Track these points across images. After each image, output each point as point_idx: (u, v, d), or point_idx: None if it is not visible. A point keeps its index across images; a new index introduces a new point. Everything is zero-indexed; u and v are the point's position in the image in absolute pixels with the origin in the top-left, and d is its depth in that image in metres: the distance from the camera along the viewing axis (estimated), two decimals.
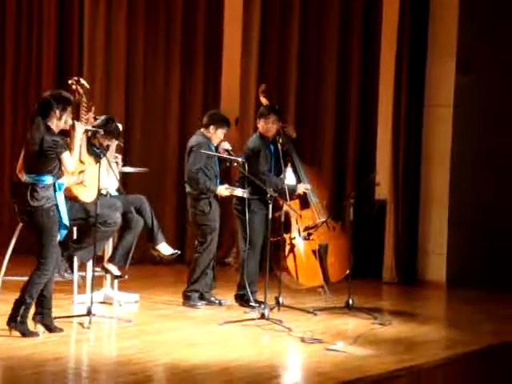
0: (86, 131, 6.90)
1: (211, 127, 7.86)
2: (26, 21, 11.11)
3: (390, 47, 9.62)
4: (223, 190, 7.79)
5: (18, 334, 6.34)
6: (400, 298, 9.08)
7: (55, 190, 6.36)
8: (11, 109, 11.18)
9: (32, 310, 6.46)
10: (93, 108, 7.47)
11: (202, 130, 7.92)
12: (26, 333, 6.36)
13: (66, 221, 6.41)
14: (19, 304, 6.36)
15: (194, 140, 7.91)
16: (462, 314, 8.04)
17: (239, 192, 7.75)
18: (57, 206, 6.35)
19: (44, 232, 6.34)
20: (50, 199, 6.33)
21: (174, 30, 10.62)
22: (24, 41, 11.14)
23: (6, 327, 6.38)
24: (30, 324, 6.45)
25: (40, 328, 6.46)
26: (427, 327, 7.33)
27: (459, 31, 9.48)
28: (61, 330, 6.54)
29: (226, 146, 7.85)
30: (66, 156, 6.35)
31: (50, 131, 6.34)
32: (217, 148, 7.87)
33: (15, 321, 6.37)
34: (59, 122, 6.38)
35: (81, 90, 7.37)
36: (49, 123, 6.35)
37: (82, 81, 7.40)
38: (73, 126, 6.53)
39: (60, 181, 6.41)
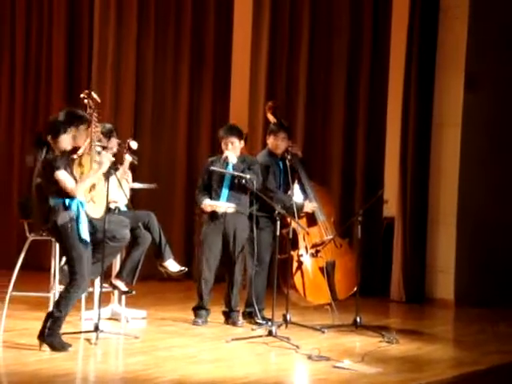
0: (117, 161, 6.92)
1: (222, 142, 7.84)
2: (36, 35, 11.18)
3: (399, 64, 9.64)
4: (204, 206, 7.75)
5: (47, 348, 6.39)
6: (407, 316, 9.06)
7: (68, 208, 6.38)
8: (20, 123, 11.22)
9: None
10: (99, 127, 7.45)
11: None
12: (54, 346, 6.38)
13: (85, 236, 6.43)
14: (48, 317, 6.42)
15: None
16: (469, 333, 8.01)
17: (223, 208, 7.69)
18: (77, 221, 6.38)
19: (65, 248, 6.42)
20: (64, 216, 6.36)
21: (183, 46, 10.67)
22: (33, 54, 11.20)
23: (18, 343, 6.42)
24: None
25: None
26: (434, 346, 7.31)
27: (467, 49, 9.48)
28: (70, 345, 6.56)
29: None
30: (60, 174, 6.36)
31: (48, 152, 6.40)
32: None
33: (43, 334, 6.40)
34: (69, 141, 6.42)
35: (92, 104, 7.39)
36: (57, 144, 6.39)
37: (94, 94, 7.42)
38: (99, 154, 6.59)
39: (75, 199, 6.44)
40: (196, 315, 7.81)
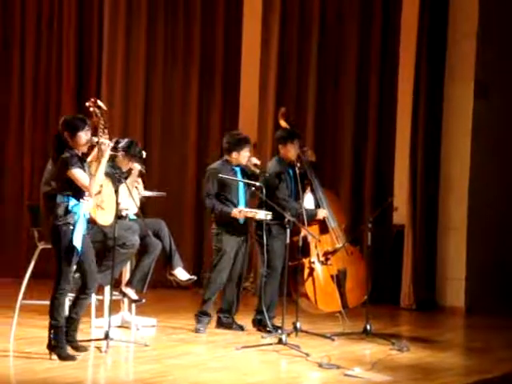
0: (114, 149, 6.79)
1: (234, 153, 7.79)
2: (46, 41, 11.19)
3: (409, 70, 9.64)
4: (237, 213, 7.71)
5: (55, 357, 6.38)
6: (418, 323, 9.03)
7: (69, 211, 6.37)
8: (31, 130, 11.24)
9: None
10: (106, 131, 7.42)
11: (225, 156, 7.85)
12: (61, 356, 6.38)
13: (77, 244, 6.37)
14: (48, 328, 6.42)
15: (210, 166, 7.91)
16: (480, 341, 7.98)
17: (261, 215, 7.62)
18: (73, 227, 6.37)
19: (55, 251, 6.42)
20: (62, 218, 6.35)
21: (193, 53, 10.69)
22: (43, 61, 11.20)
23: (28, 351, 6.44)
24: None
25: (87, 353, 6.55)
26: (445, 354, 7.28)
27: (477, 56, 9.48)
28: (85, 349, 6.58)
29: (254, 160, 7.75)
30: (75, 172, 6.34)
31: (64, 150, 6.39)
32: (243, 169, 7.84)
33: (50, 344, 6.42)
34: (79, 142, 6.41)
35: (98, 112, 7.37)
36: (75, 141, 6.39)
37: (100, 102, 7.41)
38: (97, 143, 6.54)
39: (80, 203, 6.43)
40: (199, 321, 7.79)
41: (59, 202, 6.36)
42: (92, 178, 6.41)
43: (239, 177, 7.78)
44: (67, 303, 6.65)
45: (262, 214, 7.61)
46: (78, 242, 6.36)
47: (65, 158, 6.35)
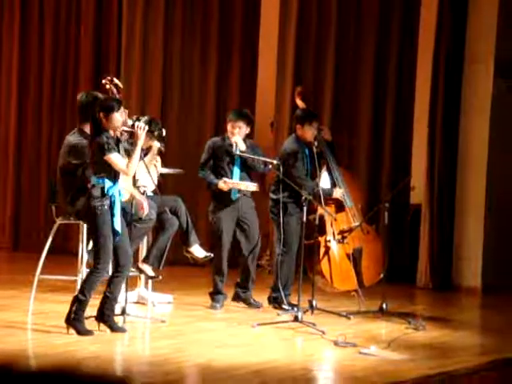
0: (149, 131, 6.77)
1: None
2: (64, 26, 11.19)
3: (428, 50, 9.59)
4: (222, 184, 7.74)
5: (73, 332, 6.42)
6: (434, 303, 9.03)
7: (105, 193, 6.37)
8: (48, 110, 11.27)
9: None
10: (126, 110, 7.41)
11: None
12: (80, 330, 6.41)
13: (117, 227, 6.41)
14: (73, 301, 6.45)
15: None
16: (496, 321, 7.98)
17: (243, 186, 7.70)
18: (111, 210, 6.37)
19: (92, 231, 6.45)
20: (99, 200, 6.36)
21: (211, 31, 10.65)
22: (62, 39, 11.22)
23: (46, 325, 6.46)
24: (92, 324, 6.52)
25: (106, 328, 6.54)
26: (461, 333, 7.28)
27: (497, 36, 9.41)
28: (124, 330, 6.60)
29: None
30: (112, 157, 6.36)
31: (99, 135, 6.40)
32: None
33: (69, 318, 6.43)
34: (113, 124, 6.40)
35: (114, 90, 7.36)
36: (109, 121, 6.37)
37: (116, 80, 7.39)
38: (132, 126, 6.53)
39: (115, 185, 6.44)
40: (214, 299, 7.83)
41: (95, 183, 6.38)
42: (129, 161, 6.40)
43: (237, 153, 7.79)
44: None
45: (247, 185, 7.66)
46: (118, 225, 6.40)
47: (101, 143, 6.34)
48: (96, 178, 6.38)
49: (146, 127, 6.57)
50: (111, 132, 6.40)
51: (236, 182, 7.76)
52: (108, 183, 6.38)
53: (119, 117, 6.40)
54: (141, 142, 6.47)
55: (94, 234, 6.46)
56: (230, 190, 7.78)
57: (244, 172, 7.86)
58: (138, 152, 6.42)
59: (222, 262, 7.82)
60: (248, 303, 7.89)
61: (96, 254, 6.44)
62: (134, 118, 7.07)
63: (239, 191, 7.79)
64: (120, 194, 6.48)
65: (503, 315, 8.21)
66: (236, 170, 7.84)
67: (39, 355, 5.94)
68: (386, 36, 9.90)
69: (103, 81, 7.46)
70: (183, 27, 10.74)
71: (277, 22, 10.31)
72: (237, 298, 7.94)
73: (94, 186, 6.38)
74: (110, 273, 6.67)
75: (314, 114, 8.02)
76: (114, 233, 6.40)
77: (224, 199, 7.81)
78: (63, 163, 6.82)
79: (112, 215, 6.36)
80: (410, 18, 9.81)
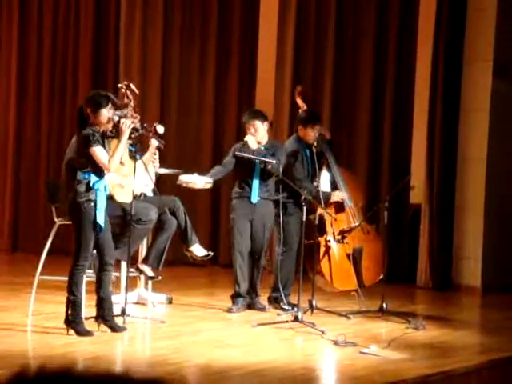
0: (135, 129, 6.70)
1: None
2: (63, 26, 11.17)
3: (426, 49, 9.57)
4: (180, 182, 7.67)
5: (72, 332, 6.42)
6: (434, 302, 9.02)
7: (91, 188, 6.37)
8: (47, 109, 11.26)
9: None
10: (138, 116, 7.35)
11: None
12: (79, 331, 6.41)
13: (100, 221, 6.41)
14: (67, 304, 6.45)
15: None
16: (496, 320, 7.97)
17: (199, 184, 7.65)
18: (95, 204, 6.37)
19: (74, 227, 6.43)
20: (84, 195, 6.35)
21: (209, 31, 10.63)
22: (60, 38, 11.19)
23: (46, 326, 6.49)
24: (92, 324, 6.53)
25: (106, 329, 6.55)
26: (461, 332, 7.28)
27: (496, 35, 9.41)
28: (124, 328, 6.60)
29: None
30: (96, 150, 6.34)
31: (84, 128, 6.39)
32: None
33: (67, 320, 6.45)
34: (100, 119, 6.39)
35: (130, 95, 7.35)
36: (97, 117, 6.36)
37: (132, 86, 7.36)
38: (118, 122, 6.52)
39: (101, 180, 6.42)
40: (233, 302, 7.77)
41: (80, 179, 6.37)
42: (111, 156, 6.40)
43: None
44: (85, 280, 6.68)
45: (200, 184, 7.62)
46: (101, 219, 6.39)
47: (86, 135, 6.35)
48: (82, 173, 6.38)
49: (132, 125, 6.54)
50: (97, 127, 6.40)
51: (192, 181, 7.65)
52: (94, 178, 6.37)
53: (106, 113, 6.40)
54: (125, 138, 6.46)
55: (77, 231, 6.43)
56: (250, 193, 7.69)
57: (263, 177, 7.68)
58: (121, 148, 6.42)
59: (235, 263, 7.75)
60: (252, 308, 7.82)
61: (76, 251, 6.43)
62: (118, 113, 7.07)
63: (258, 195, 7.70)
64: (105, 189, 6.46)
65: (503, 314, 8.20)
66: (255, 179, 7.69)
67: (39, 356, 5.93)
68: (385, 35, 9.88)
69: (119, 84, 7.46)
70: (182, 29, 10.72)
71: (275, 22, 10.30)
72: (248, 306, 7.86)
73: (79, 181, 6.36)
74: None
75: (317, 116, 8.02)
76: (97, 227, 6.38)
77: (242, 201, 7.73)
78: (71, 157, 6.77)
79: (95, 210, 6.35)
80: (409, 16, 9.80)
